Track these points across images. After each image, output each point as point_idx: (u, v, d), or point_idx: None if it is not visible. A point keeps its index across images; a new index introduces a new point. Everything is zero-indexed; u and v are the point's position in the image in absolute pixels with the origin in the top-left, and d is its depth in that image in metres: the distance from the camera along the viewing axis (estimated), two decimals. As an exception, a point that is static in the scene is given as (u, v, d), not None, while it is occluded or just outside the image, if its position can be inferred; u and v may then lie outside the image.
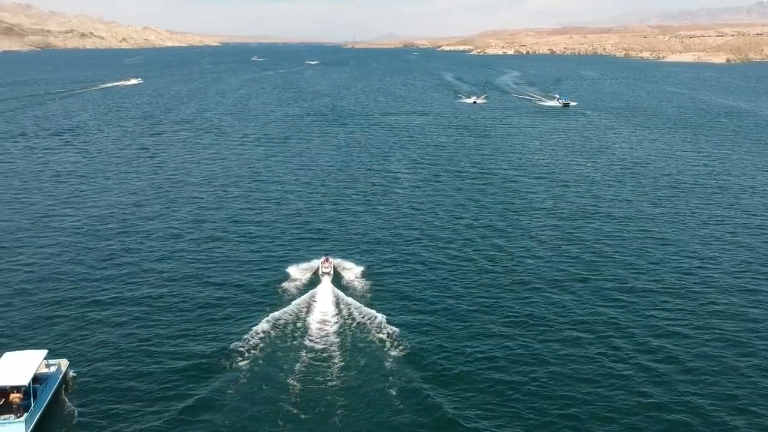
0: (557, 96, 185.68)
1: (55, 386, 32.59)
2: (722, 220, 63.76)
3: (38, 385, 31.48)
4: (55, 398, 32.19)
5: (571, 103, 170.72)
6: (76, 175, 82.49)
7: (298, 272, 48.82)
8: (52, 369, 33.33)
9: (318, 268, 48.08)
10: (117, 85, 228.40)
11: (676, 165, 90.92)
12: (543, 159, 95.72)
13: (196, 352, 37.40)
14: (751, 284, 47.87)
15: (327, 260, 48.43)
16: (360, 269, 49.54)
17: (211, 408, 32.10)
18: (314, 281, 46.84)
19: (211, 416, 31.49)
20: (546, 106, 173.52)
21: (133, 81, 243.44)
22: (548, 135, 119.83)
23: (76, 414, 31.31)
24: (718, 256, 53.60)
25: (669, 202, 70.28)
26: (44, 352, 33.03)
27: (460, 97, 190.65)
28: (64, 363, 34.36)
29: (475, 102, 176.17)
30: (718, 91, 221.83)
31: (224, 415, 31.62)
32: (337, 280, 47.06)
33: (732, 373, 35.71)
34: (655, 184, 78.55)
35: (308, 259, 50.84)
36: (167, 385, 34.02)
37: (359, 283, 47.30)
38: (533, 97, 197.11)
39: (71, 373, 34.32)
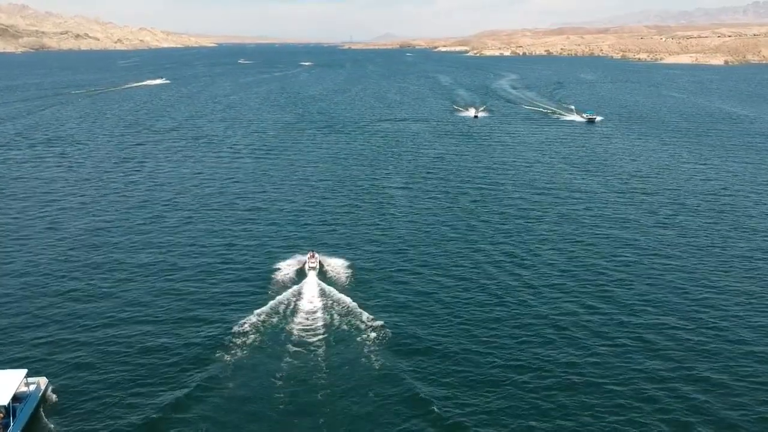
0: (573, 107, 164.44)
1: (35, 405, 33.07)
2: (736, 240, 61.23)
3: (18, 404, 32.07)
4: (35, 417, 32.68)
5: (597, 118, 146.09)
6: (60, 184, 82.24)
7: (285, 267, 51.77)
8: (32, 388, 33.74)
9: (305, 263, 51.06)
10: (143, 85, 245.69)
11: (708, 183, 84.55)
12: (560, 177, 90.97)
13: (179, 361, 37.78)
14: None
15: (313, 256, 51.55)
16: (344, 264, 52.59)
17: (192, 417, 32.61)
18: (301, 275, 49.79)
19: (193, 424, 32.04)
20: (566, 121, 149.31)
21: (159, 81, 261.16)
22: (580, 160, 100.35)
23: None
24: (734, 278, 51.29)
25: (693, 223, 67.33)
26: (23, 371, 33.30)
27: (459, 110, 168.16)
28: (43, 382, 34.66)
29: (476, 116, 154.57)
30: (723, 96, 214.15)
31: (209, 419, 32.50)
32: (322, 274, 50.04)
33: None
34: (693, 203, 74.43)
35: (295, 255, 53.96)
36: (148, 400, 34.11)
37: (343, 277, 50.12)
38: (546, 108, 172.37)
39: (51, 392, 34.69)
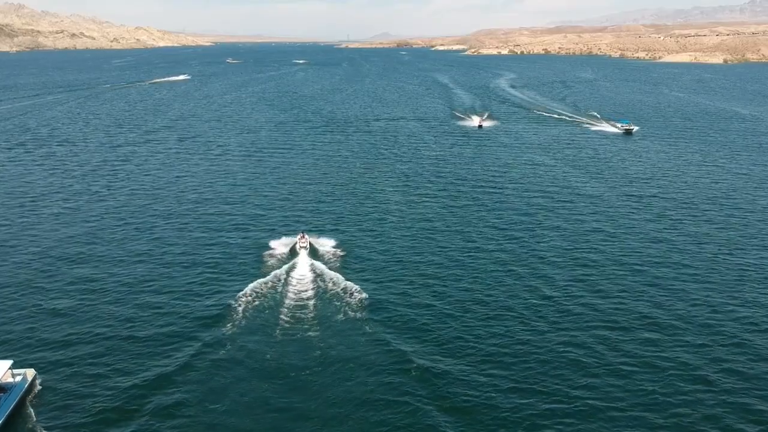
0: (597, 114, 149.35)
1: (20, 395, 32.97)
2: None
3: (2, 394, 32.35)
4: (20, 407, 32.65)
5: (634, 128, 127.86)
6: (53, 177, 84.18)
7: (277, 247, 54.70)
8: (18, 378, 33.76)
9: (296, 244, 53.88)
10: (168, 81, 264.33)
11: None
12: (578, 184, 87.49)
13: (171, 350, 37.96)
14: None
15: (303, 237, 54.19)
16: (333, 245, 55.62)
17: (182, 401, 32.97)
18: (293, 255, 52.46)
19: (180, 419, 31.85)
20: (598, 131, 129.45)
21: (182, 77, 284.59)
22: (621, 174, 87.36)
23: (39, 423, 31.63)
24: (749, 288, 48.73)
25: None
26: (8, 362, 33.27)
27: (460, 117, 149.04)
28: (30, 373, 34.60)
29: (480, 125, 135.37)
30: (735, 97, 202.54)
31: (197, 408, 32.68)
32: (312, 254, 52.77)
33: None
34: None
35: (287, 237, 56.65)
36: (136, 393, 34.05)
37: (332, 257, 52.92)
38: (564, 115, 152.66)
39: (38, 384, 34.61)
